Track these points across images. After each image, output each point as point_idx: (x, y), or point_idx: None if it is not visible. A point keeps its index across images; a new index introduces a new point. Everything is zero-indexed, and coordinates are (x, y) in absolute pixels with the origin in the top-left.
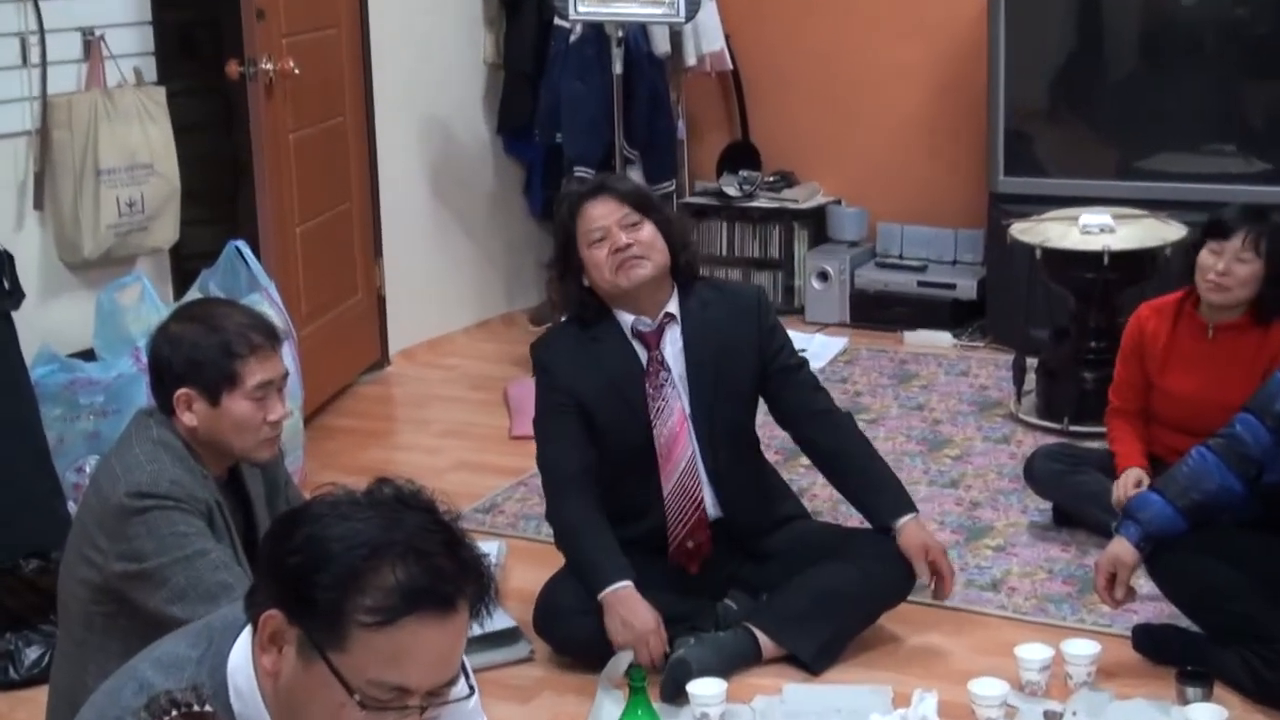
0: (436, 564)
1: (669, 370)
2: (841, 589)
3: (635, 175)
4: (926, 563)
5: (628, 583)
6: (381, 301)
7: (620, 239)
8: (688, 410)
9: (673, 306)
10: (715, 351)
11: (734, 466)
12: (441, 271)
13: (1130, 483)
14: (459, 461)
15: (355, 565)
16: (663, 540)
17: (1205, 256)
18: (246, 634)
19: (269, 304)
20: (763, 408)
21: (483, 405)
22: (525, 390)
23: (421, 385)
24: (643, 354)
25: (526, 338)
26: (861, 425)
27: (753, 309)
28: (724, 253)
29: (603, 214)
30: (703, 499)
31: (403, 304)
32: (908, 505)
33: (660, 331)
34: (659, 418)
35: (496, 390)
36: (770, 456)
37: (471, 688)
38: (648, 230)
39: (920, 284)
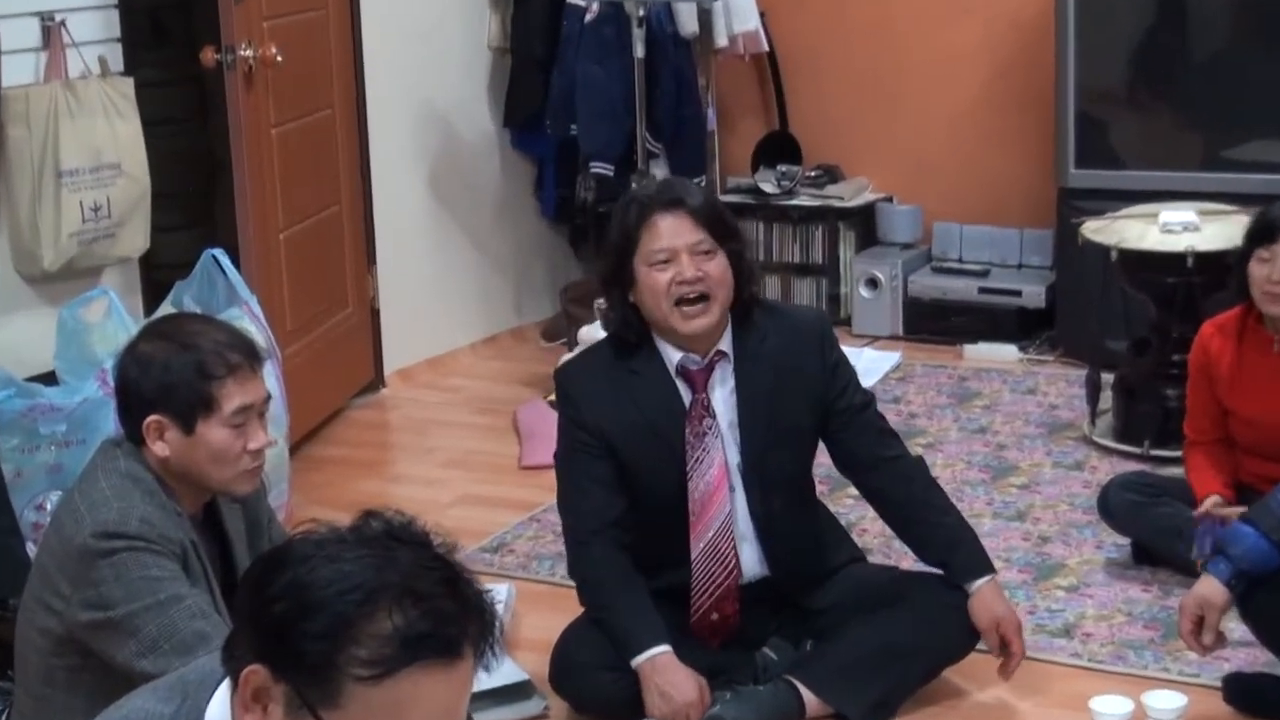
0: (437, 606)
1: (714, 417)
2: (897, 641)
3: (659, 171)
4: (996, 635)
5: (666, 648)
6: (375, 315)
7: (688, 270)
8: (733, 460)
9: (725, 343)
10: (771, 392)
11: (788, 520)
12: (442, 281)
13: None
14: (463, 495)
15: (347, 612)
16: (689, 597)
17: (1255, 266)
18: (224, 689)
19: (250, 319)
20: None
21: (489, 431)
22: (537, 414)
23: (420, 409)
24: (686, 394)
25: (538, 355)
26: (917, 450)
27: (815, 341)
28: (761, 257)
29: (674, 233)
30: (735, 564)
31: (399, 318)
32: (983, 566)
33: (709, 370)
34: (696, 469)
35: (505, 415)
36: (817, 486)
37: None
38: (719, 263)
39: (982, 291)
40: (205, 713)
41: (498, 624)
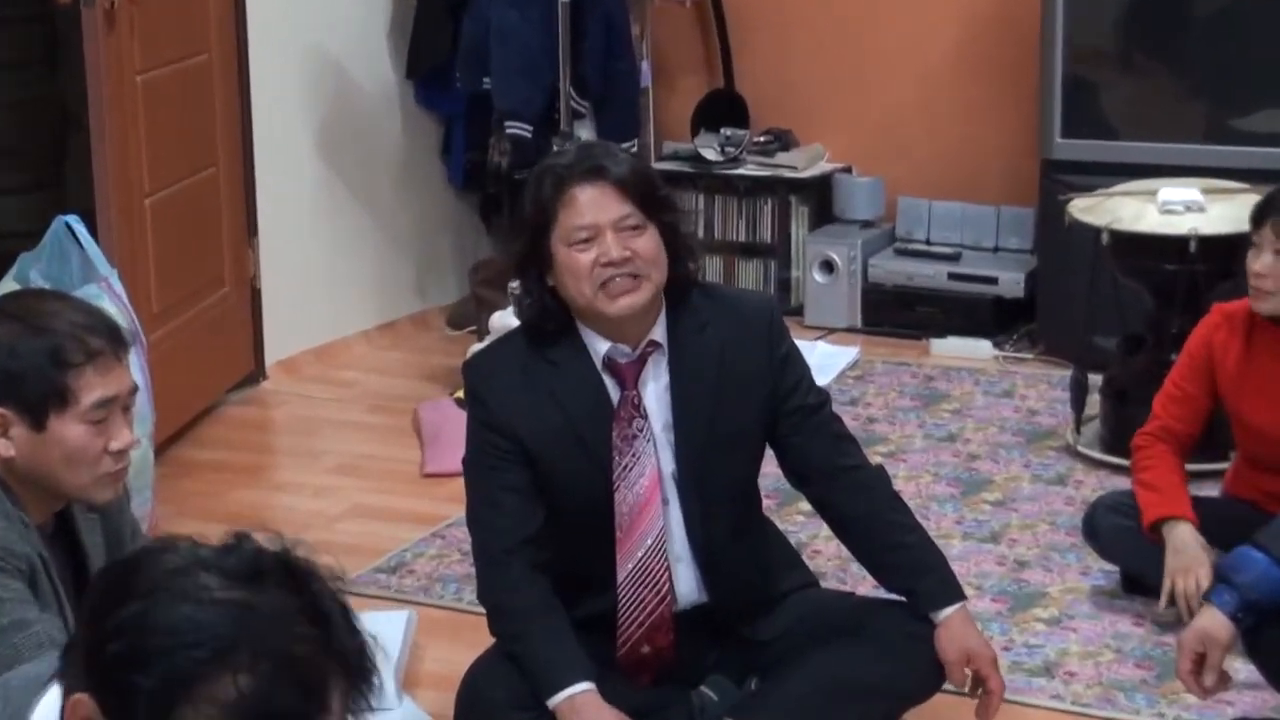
0: (297, 674)
1: (645, 417)
2: (854, 678)
3: (585, 133)
4: (967, 671)
5: (588, 685)
6: (256, 296)
7: (613, 250)
8: (667, 468)
9: (659, 332)
10: (712, 389)
11: (730, 538)
12: (334, 258)
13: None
14: (355, 506)
15: (188, 669)
16: (615, 627)
17: (1249, 255)
18: (52, 697)
19: (109, 299)
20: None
21: (386, 433)
22: (442, 414)
23: (307, 406)
24: (614, 391)
25: (443, 345)
26: (877, 459)
27: (763, 330)
28: (701, 234)
29: (597, 207)
30: (669, 588)
31: (284, 300)
32: (953, 593)
33: (640, 364)
34: (624, 478)
35: (405, 414)
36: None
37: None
38: (650, 240)
39: (952, 277)
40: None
41: (375, 679)
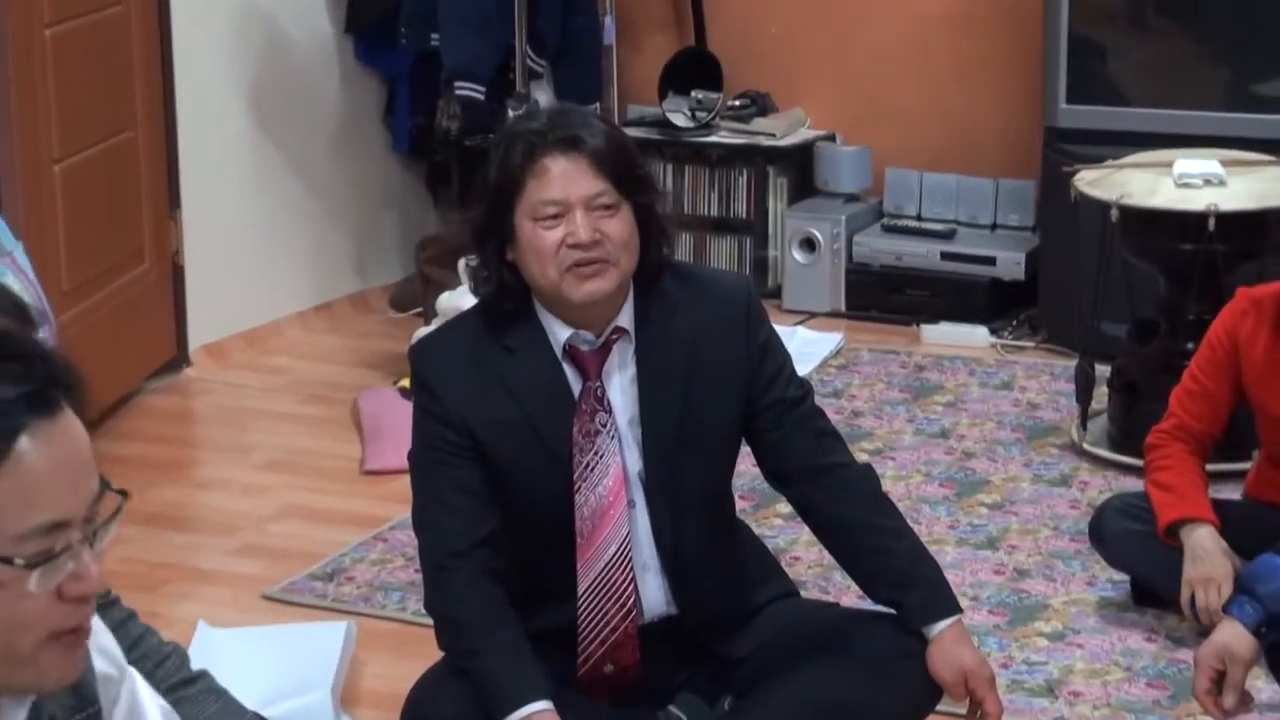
0: (24, 367)
1: (609, 411)
2: (838, 698)
3: (542, 95)
4: (964, 691)
5: (544, 705)
6: (179, 274)
7: (582, 231)
8: (634, 467)
9: (625, 318)
10: (683, 380)
11: (702, 543)
12: (265, 232)
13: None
14: (289, 506)
15: None
16: (576, 641)
17: None
18: None
19: (13, 274)
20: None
21: (323, 426)
22: (384, 405)
23: (235, 395)
24: (575, 382)
25: (386, 329)
26: (861, 457)
27: (739, 315)
28: (668, 208)
29: (568, 182)
30: (635, 600)
31: (209, 278)
32: (947, 605)
33: (604, 352)
34: (586, 478)
35: (343, 405)
36: (737, 501)
37: (121, 492)
38: (622, 222)
39: (945, 257)
40: None
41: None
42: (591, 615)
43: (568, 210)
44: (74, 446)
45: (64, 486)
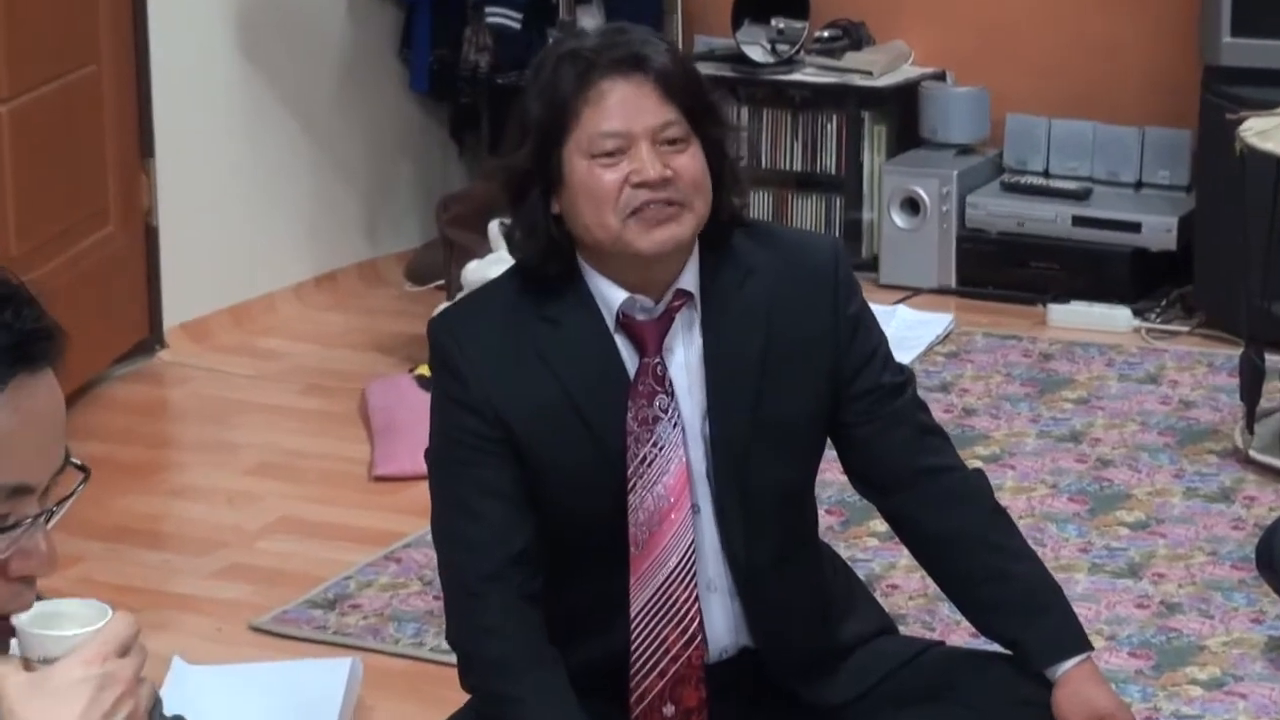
0: (13, 313)
1: (671, 394)
2: None
3: (590, 22)
4: None
5: None
6: (152, 237)
7: (649, 168)
8: (699, 465)
9: (689, 280)
10: (759, 358)
11: (780, 562)
12: (256, 188)
13: None
14: (283, 519)
15: None
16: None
17: None
18: None
19: None
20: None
21: (325, 421)
22: (398, 396)
23: (219, 384)
24: (630, 359)
25: (399, 305)
26: (974, 464)
27: (825, 283)
28: (742, 159)
29: (632, 110)
30: (699, 627)
31: (188, 243)
32: (1075, 641)
33: (666, 323)
34: (642, 475)
35: (350, 396)
36: (821, 518)
37: (83, 468)
38: (693, 159)
39: (1079, 222)
40: None
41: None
42: (647, 642)
43: (631, 144)
44: (51, 407)
45: (33, 449)
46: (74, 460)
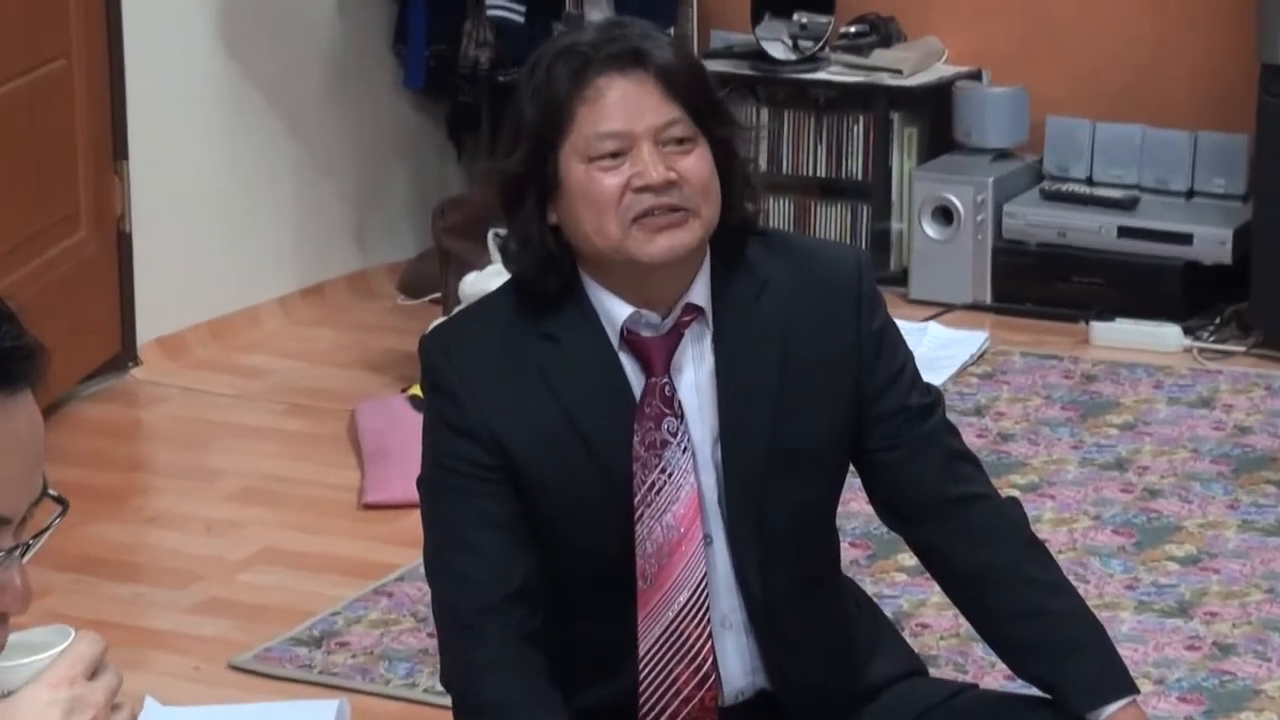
0: None
1: (680, 416)
2: None
3: (598, 14)
4: None
5: None
6: (126, 245)
7: (652, 170)
8: (711, 492)
9: (699, 293)
10: (775, 378)
11: (799, 597)
12: (238, 192)
13: None
14: (266, 550)
15: None
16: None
17: None
18: None
19: None
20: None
21: (311, 445)
22: (390, 418)
23: (197, 404)
24: (636, 378)
25: (391, 319)
26: (1009, 493)
27: (847, 297)
28: (763, 166)
29: (632, 108)
30: (712, 668)
31: (165, 251)
32: (1119, 683)
33: (674, 339)
34: (650, 504)
35: (338, 417)
36: (844, 551)
37: (60, 499)
38: (700, 160)
39: (1125, 233)
40: None
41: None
42: (657, 684)
43: (632, 145)
44: (28, 432)
45: (9, 478)
46: (51, 491)
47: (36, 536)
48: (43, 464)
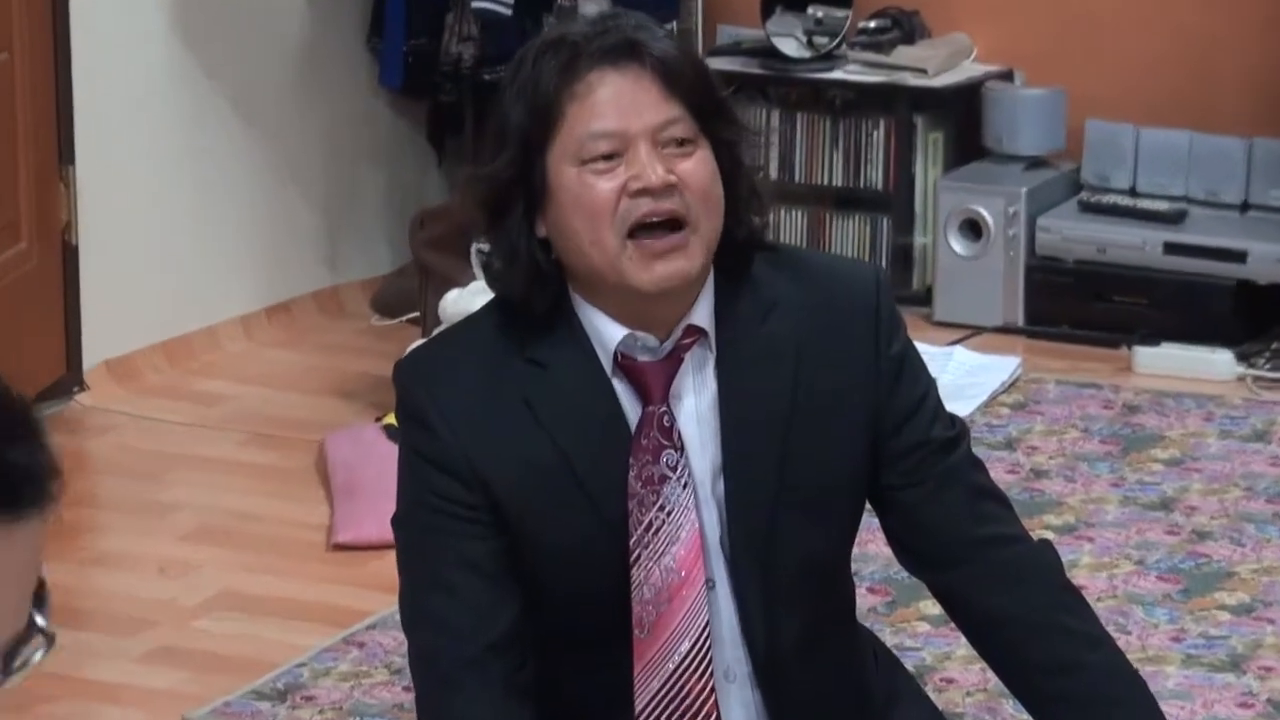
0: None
1: (679, 449)
2: None
3: (594, 7)
4: None
5: None
6: (71, 257)
7: (650, 172)
8: (713, 532)
9: (702, 314)
10: (785, 407)
11: (809, 647)
12: (196, 202)
13: None
14: (225, 594)
15: None
16: None
17: None
18: None
19: None
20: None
21: (275, 479)
22: (363, 450)
23: (150, 433)
24: (632, 407)
25: (365, 342)
26: (1041, 535)
27: (864, 318)
28: (774, 172)
29: (625, 105)
30: None
31: (115, 264)
32: None
33: (674, 364)
34: (648, 545)
35: (305, 449)
36: (861, 598)
37: (48, 632)
38: (702, 164)
39: (1172, 249)
40: None
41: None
42: None
43: (627, 146)
44: (26, 562)
45: (4, 607)
46: (40, 624)
47: (18, 669)
48: (32, 592)
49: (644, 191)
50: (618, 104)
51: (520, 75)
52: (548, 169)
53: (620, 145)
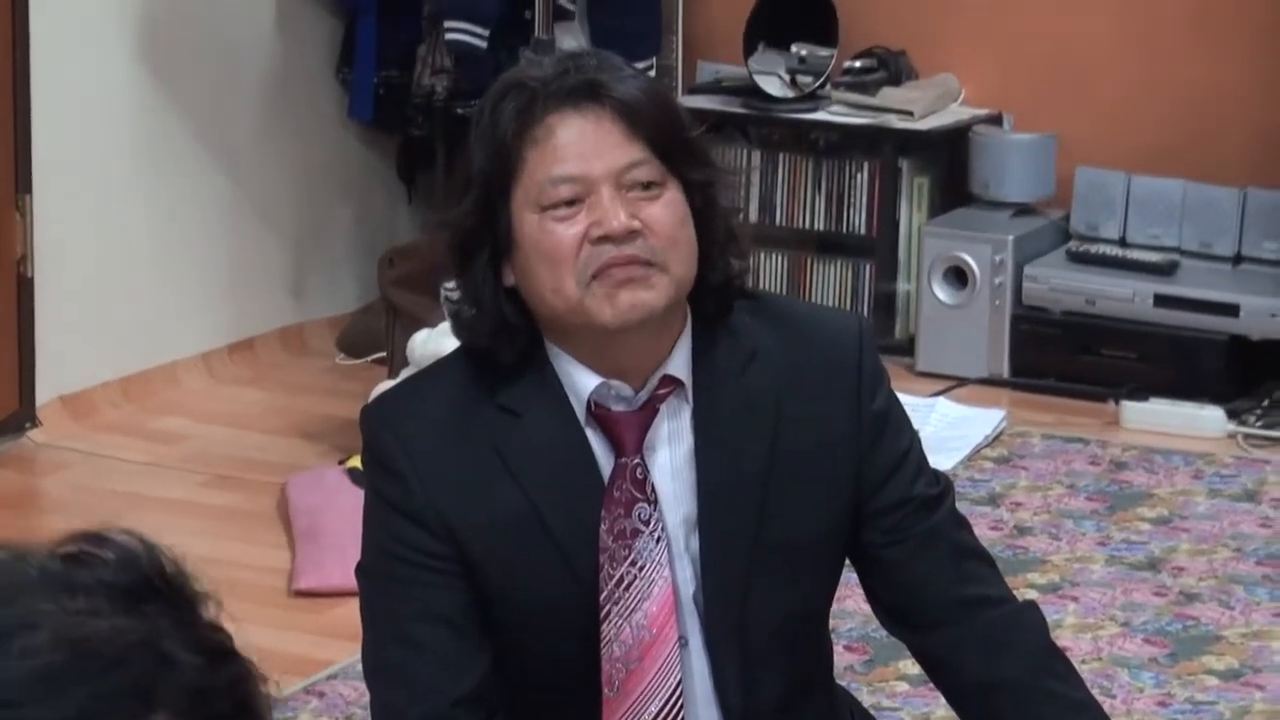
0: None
1: (653, 502)
2: None
3: (573, 43)
4: None
5: None
6: (25, 290)
7: (612, 217)
8: (687, 588)
9: (679, 364)
10: (763, 461)
11: (784, 708)
12: (157, 234)
13: None
14: None
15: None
16: None
17: None
18: None
19: None
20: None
21: (235, 522)
22: (326, 494)
23: (105, 472)
24: (605, 458)
25: (330, 382)
26: (1025, 593)
27: (846, 369)
28: (754, 216)
29: (589, 149)
30: None
31: (71, 298)
32: None
33: (648, 414)
34: (619, 601)
35: (267, 491)
36: (839, 656)
37: None
38: (669, 206)
39: (1162, 301)
40: None
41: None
42: None
43: (590, 191)
44: None
45: None
46: None
47: None
48: None
49: (606, 239)
50: (579, 147)
51: (482, 119)
52: (511, 216)
53: (582, 190)
